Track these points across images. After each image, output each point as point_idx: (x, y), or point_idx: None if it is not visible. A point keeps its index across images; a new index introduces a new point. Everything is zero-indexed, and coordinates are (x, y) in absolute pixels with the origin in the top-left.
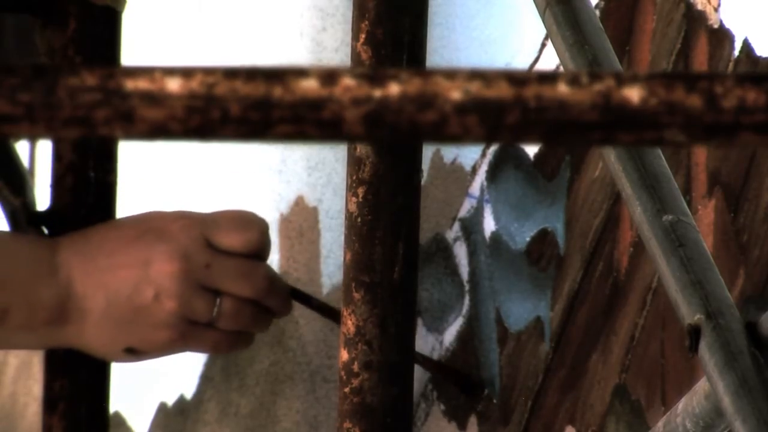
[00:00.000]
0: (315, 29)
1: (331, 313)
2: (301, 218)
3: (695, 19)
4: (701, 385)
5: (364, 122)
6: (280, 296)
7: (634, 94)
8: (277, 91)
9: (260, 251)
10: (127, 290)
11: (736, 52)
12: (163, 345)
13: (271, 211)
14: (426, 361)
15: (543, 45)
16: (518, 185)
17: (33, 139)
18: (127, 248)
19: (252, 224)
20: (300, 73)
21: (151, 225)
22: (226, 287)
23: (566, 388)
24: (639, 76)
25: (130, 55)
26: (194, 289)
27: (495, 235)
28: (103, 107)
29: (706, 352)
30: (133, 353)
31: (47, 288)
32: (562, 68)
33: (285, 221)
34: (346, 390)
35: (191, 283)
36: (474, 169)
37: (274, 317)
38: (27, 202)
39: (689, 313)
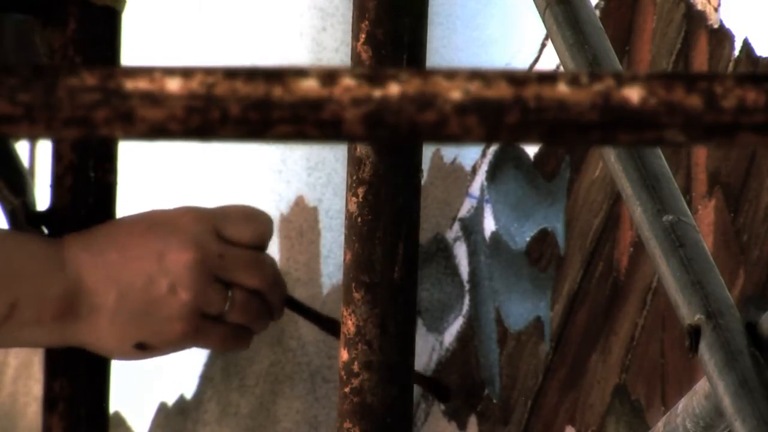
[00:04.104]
0: (315, 29)
1: (327, 324)
2: (301, 218)
3: (695, 19)
4: (701, 385)
5: (364, 122)
6: (280, 291)
7: (633, 94)
8: (277, 92)
9: (265, 244)
10: (141, 282)
11: (736, 52)
12: (174, 339)
13: (271, 211)
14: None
15: (543, 45)
16: (518, 185)
17: (33, 139)
18: (139, 241)
19: (260, 217)
20: (300, 73)
21: (160, 218)
22: (238, 278)
23: (566, 388)
24: (639, 76)
25: (130, 55)
26: (208, 280)
27: (495, 235)
28: (103, 107)
29: (706, 352)
30: (144, 349)
31: (55, 283)
32: (562, 68)
33: (285, 221)
34: (346, 390)
35: (205, 274)
36: (474, 169)
37: (271, 319)
38: (27, 202)
39: (689, 313)
